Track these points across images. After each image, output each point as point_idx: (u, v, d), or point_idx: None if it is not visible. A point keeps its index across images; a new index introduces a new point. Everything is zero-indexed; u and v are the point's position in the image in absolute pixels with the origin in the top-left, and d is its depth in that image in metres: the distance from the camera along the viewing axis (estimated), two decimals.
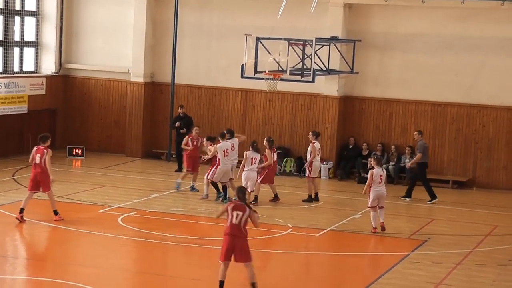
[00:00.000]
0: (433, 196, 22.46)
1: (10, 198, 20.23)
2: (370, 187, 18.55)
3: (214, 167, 20.67)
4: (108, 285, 14.32)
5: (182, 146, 22.42)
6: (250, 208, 13.72)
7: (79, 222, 18.42)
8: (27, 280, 14.44)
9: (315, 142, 21.77)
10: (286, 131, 26.48)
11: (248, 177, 20.40)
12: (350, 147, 25.78)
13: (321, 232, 18.55)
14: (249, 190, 20.00)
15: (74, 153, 26.84)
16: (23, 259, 15.93)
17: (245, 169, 20.48)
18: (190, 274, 15.18)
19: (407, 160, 24.84)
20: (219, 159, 20.59)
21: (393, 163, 25.06)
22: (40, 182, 18.01)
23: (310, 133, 22.19)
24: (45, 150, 18.04)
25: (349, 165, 25.40)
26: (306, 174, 21.78)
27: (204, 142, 21.33)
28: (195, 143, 22.12)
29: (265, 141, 21.57)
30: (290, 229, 18.65)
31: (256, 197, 20.80)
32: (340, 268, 16.33)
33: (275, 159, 21.50)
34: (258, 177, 20.81)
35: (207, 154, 21.09)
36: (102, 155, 27.19)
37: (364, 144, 25.62)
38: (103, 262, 15.77)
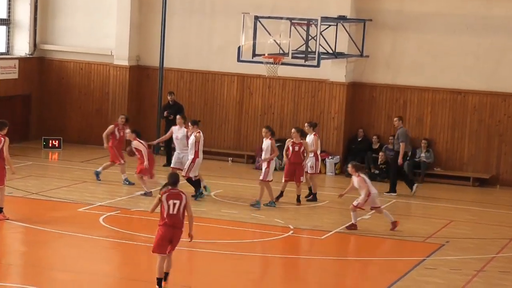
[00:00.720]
0: (393, 189, 22.91)
1: None
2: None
3: (190, 161, 20.54)
4: None
5: (104, 135, 22.61)
6: (186, 195, 14.07)
7: (55, 222, 18.43)
8: None
9: (316, 134, 21.74)
10: (287, 121, 26.47)
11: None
12: (359, 139, 25.79)
13: (326, 235, 18.56)
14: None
15: (50, 145, 26.83)
16: None
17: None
18: (179, 281, 15.19)
19: (422, 155, 24.89)
20: (196, 151, 20.55)
21: (407, 158, 25.01)
22: None
23: (306, 124, 22.03)
24: (1, 138, 18.05)
25: (357, 159, 25.29)
26: (311, 171, 21.70)
27: (190, 127, 21.04)
28: (121, 133, 22.53)
29: (266, 131, 21.24)
30: (291, 231, 18.66)
31: (281, 193, 21.14)
32: (347, 275, 16.35)
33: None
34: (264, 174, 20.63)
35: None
36: (81, 147, 27.18)
37: (375, 136, 25.62)
38: (82, 266, 15.76)
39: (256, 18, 21.96)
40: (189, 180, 20.67)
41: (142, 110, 27.63)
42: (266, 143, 20.60)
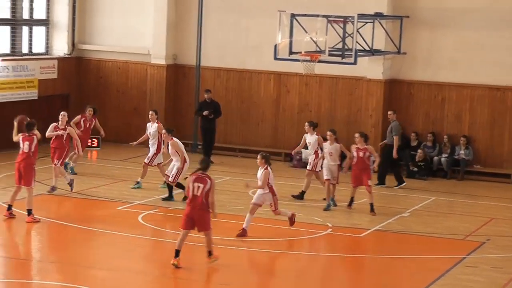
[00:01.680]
0: (400, 181, 23.18)
1: (19, 194, 20.28)
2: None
3: (176, 168, 19.94)
4: None
5: (72, 124, 22.47)
6: (212, 181, 15.27)
7: (95, 220, 18.53)
8: (38, 284, 14.52)
9: (318, 134, 21.48)
10: (324, 119, 26.34)
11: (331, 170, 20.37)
12: None
13: (365, 233, 18.48)
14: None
15: (89, 144, 26.89)
16: (35, 261, 16.01)
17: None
18: (218, 279, 15.17)
19: (461, 152, 24.67)
20: (183, 157, 19.92)
21: (446, 155, 24.85)
22: (23, 175, 18.03)
23: (307, 124, 21.63)
24: (34, 137, 18.13)
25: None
26: (310, 168, 21.25)
27: (164, 135, 20.27)
28: (87, 125, 23.08)
29: (309, 126, 21.27)
30: (330, 229, 18.59)
31: (351, 199, 20.45)
32: (387, 273, 16.21)
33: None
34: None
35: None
36: (119, 146, 27.24)
37: (413, 134, 25.44)
38: (121, 264, 15.81)
39: (293, 15, 21.89)
40: (170, 186, 20.16)
41: (179, 108, 27.66)
42: (334, 146, 20.38)
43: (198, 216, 15.27)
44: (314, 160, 21.18)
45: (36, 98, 26.52)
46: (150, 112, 22.10)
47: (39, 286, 14.46)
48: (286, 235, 17.96)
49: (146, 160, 21.52)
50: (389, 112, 23.80)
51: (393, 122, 23.44)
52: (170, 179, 19.94)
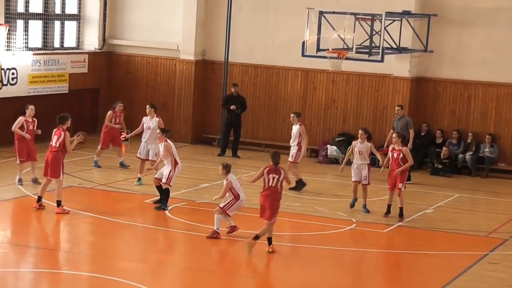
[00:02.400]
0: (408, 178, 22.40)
1: (49, 186, 20.50)
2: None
3: (169, 170, 18.71)
4: (154, 282, 14.49)
5: (107, 123, 22.82)
6: (284, 170, 16.10)
7: (123, 213, 18.66)
8: (67, 274, 14.67)
9: (301, 124, 21.58)
10: (350, 115, 26.40)
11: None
12: (423, 134, 25.60)
13: (389, 228, 18.50)
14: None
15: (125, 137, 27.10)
16: (62, 251, 16.17)
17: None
18: (244, 271, 15.27)
19: (486, 150, 24.63)
20: (176, 160, 18.79)
21: (471, 153, 24.81)
22: (50, 167, 18.18)
23: (292, 115, 21.80)
24: (62, 132, 18.26)
25: (420, 154, 25.18)
26: (291, 159, 21.32)
27: (159, 135, 19.14)
28: (117, 120, 22.93)
29: (295, 116, 21.39)
30: (354, 224, 18.63)
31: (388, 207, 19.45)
32: (411, 268, 16.26)
33: None
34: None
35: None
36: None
37: (438, 131, 25.41)
38: (148, 256, 15.96)
39: (321, 13, 21.93)
40: (161, 188, 18.89)
41: (207, 103, 27.78)
42: (365, 145, 19.81)
43: (270, 204, 15.93)
44: (296, 152, 21.26)
45: (67, 92, 26.72)
46: (147, 106, 21.80)
47: (67, 276, 14.63)
48: (312, 230, 18.03)
49: (163, 180, 19.13)
50: (396, 108, 23.50)
51: (404, 116, 23.23)
52: (164, 180, 18.67)
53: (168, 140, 18.92)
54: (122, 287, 14.04)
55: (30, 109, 20.50)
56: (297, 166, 21.51)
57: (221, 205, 16.87)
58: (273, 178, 15.96)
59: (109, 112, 23.26)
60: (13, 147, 20.69)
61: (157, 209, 18.77)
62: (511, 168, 24.78)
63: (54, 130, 18.42)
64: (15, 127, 20.32)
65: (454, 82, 25.52)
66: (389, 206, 19.29)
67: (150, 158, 20.99)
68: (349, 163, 20.46)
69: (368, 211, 19.55)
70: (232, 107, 25.42)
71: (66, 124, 18.46)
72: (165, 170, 18.75)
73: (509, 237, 18.18)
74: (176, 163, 18.76)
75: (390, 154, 19.26)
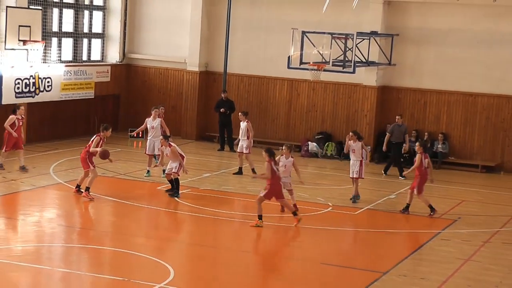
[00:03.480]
0: (401, 174, 22.54)
1: (78, 175, 20.43)
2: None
3: (176, 164, 18.35)
4: (165, 256, 14.44)
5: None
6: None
7: (139, 198, 18.58)
8: (91, 248, 14.62)
9: (248, 121, 21.51)
10: (328, 117, 26.37)
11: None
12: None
13: (359, 211, 18.46)
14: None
15: (135, 135, 27.00)
16: (88, 230, 16.11)
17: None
18: (240, 247, 15.24)
19: (439, 146, 24.62)
20: (182, 155, 18.47)
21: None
22: (81, 162, 18.17)
23: (240, 113, 21.69)
24: (97, 137, 18.04)
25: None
26: (247, 151, 21.27)
27: (162, 141, 18.61)
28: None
29: (242, 115, 21.51)
30: (330, 208, 18.59)
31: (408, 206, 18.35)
32: (377, 244, 16.22)
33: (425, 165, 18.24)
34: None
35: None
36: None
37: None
38: (159, 234, 15.91)
39: (303, 32, 21.87)
40: (172, 181, 18.50)
41: (209, 107, 27.64)
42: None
43: (281, 188, 16.42)
44: (248, 144, 21.27)
45: (93, 97, 26.63)
46: (155, 108, 21.12)
47: (93, 250, 14.59)
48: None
49: (159, 152, 19.44)
50: (397, 117, 22.93)
51: (404, 124, 22.89)
52: (174, 170, 18.32)
53: (172, 144, 18.43)
54: (138, 259, 13.99)
55: (21, 109, 20.34)
56: (249, 157, 21.40)
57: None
58: (277, 168, 16.44)
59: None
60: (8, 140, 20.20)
61: (170, 196, 18.54)
62: (459, 161, 24.78)
63: (96, 134, 18.22)
64: (6, 124, 20.09)
65: (413, 90, 25.49)
66: (407, 205, 18.23)
67: (156, 153, 20.59)
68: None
69: (355, 201, 19.05)
70: (222, 110, 25.30)
71: (105, 133, 18.08)
72: (173, 164, 18.44)
73: (458, 218, 18.16)
74: (182, 157, 18.44)
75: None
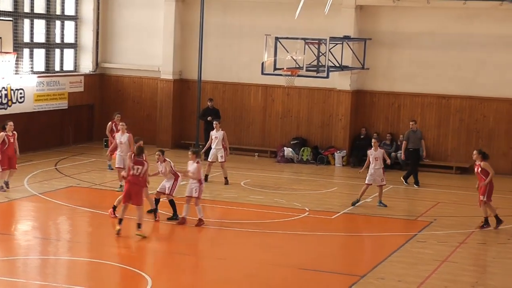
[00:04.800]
0: (417, 182, 22.30)
1: (53, 186, 20.35)
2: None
3: (173, 182, 17.34)
4: (142, 265, 14.39)
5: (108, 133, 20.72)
6: (147, 163, 15.95)
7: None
8: (68, 260, 14.52)
9: (223, 130, 21.47)
10: (303, 123, 26.44)
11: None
12: (362, 136, 25.69)
13: (336, 215, 18.52)
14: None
15: (110, 145, 26.89)
16: (64, 241, 16.01)
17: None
18: (216, 254, 15.21)
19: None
20: (175, 172, 17.41)
21: (401, 151, 24.88)
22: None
23: (215, 122, 21.66)
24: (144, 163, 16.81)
25: (360, 153, 25.25)
26: (222, 160, 21.16)
27: (159, 156, 17.42)
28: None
29: (217, 123, 21.40)
30: (307, 212, 18.62)
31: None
32: (354, 248, 16.30)
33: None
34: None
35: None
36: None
37: (375, 134, 25.48)
38: (137, 243, 15.81)
39: (277, 38, 21.92)
40: (158, 200, 17.56)
41: (184, 115, 27.68)
42: (379, 152, 19.22)
43: (135, 192, 15.74)
44: (224, 152, 21.18)
45: (66, 107, 26.49)
46: (121, 123, 20.27)
47: (70, 262, 14.48)
48: (272, 218, 18.00)
49: (167, 192, 17.58)
50: (411, 123, 22.49)
51: (419, 130, 22.55)
52: (167, 191, 17.31)
53: (167, 159, 17.45)
54: (115, 269, 13.92)
55: (10, 125, 19.33)
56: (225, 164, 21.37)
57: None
58: (137, 169, 15.82)
59: (109, 123, 22.44)
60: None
61: (169, 219, 17.30)
62: (434, 163, 24.95)
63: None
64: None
65: (386, 93, 25.64)
66: (485, 218, 17.43)
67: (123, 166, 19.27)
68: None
69: (385, 205, 19.04)
70: (209, 118, 25.21)
71: (141, 156, 16.29)
72: (167, 183, 17.39)
73: (434, 219, 18.28)
74: (177, 176, 17.37)
75: (475, 169, 17.52)
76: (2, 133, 19.29)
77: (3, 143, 19.23)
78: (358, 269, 14.35)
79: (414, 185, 22.17)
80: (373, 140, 19.47)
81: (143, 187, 16.25)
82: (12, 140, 19.38)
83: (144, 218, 16.30)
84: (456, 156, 25.00)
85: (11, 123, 19.53)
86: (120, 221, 15.91)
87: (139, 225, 15.81)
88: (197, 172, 16.95)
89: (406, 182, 22.41)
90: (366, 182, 19.21)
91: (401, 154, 24.78)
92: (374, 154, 19.10)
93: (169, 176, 17.35)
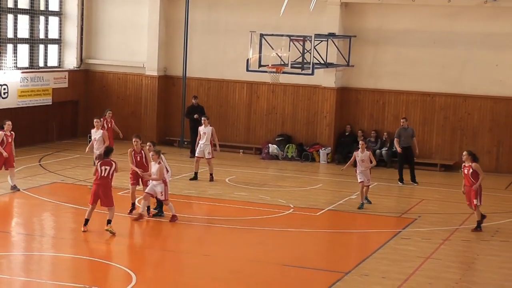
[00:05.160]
0: (414, 180, 22.28)
1: (37, 182, 20.28)
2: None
3: (164, 187, 16.91)
4: (126, 261, 14.36)
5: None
6: (115, 163, 15.73)
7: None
8: (52, 256, 14.48)
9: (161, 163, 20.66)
10: (288, 119, 26.47)
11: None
12: (347, 134, 25.76)
13: (320, 212, 18.55)
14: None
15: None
16: (48, 237, 15.96)
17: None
18: (201, 250, 15.22)
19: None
20: (163, 173, 16.93)
21: (386, 149, 25.06)
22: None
23: (205, 118, 21.42)
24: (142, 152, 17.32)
25: (345, 150, 25.37)
26: (211, 156, 21.04)
27: (153, 156, 16.97)
28: (109, 125, 20.75)
29: (206, 119, 21.13)
30: (292, 209, 18.65)
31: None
32: (338, 244, 16.35)
33: None
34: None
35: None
36: (120, 142, 27.01)
37: (359, 131, 25.58)
38: (122, 240, 15.80)
39: (262, 35, 21.90)
40: (159, 201, 17.26)
41: (169, 112, 27.64)
42: (365, 154, 18.71)
43: (104, 193, 15.62)
44: (211, 148, 20.96)
45: (51, 103, 26.39)
46: (95, 120, 20.06)
47: (54, 258, 14.44)
48: (257, 214, 18.02)
49: (165, 197, 17.34)
50: (402, 120, 22.35)
51: (410, 127, 22.40)
52: (162, 197, 16.96)
53: (162, 161, 16.91)
54: (99, 265, 13.89)
55: (8, 124, 18.97)
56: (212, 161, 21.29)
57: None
58: (105, 169, 15.61)
59: (101, 119, 21.50)
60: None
61: (154, 216, 17.23)
62: (418, 160, 24.87)
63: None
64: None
65: (371, 91, 25.71)
66: (478, 221, 17.07)
67: None
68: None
69: (370, 202, 18.99)
70: (195, 116, 25.13)
71: (137, 143, 17.27)
72: (157, 187, 16.84)
73: (418, 217, 18.36)
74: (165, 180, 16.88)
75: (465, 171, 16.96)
76: (0, 132, 18.97)
77: (1, 142, 18.90)
78: (342, 266, 14.40)
79: (398, 182, 22.24)
80: (360, 143, 19.19)
81: (111, 188, 15.85)
82: (10, 140, 19.06)
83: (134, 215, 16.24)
84: (441, 154, 25.12)
85: (9, 122, 19.16)
86: (86, 221, 15.75)
87: (109, 221, 15.72)
88: (160, 172, 16.71)
89: (415, 182, 22.18)
90: (358, 180, 18.93)
91: (385, 151, 24.91)
92: (361, 156, 18.88)
93: (160, 178, 16.73)
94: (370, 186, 19.28)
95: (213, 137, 21.36)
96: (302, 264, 14.50)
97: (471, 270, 14.63)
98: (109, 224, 15.74)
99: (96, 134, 19.98)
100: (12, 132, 19.27)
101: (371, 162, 18.86)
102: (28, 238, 15.61)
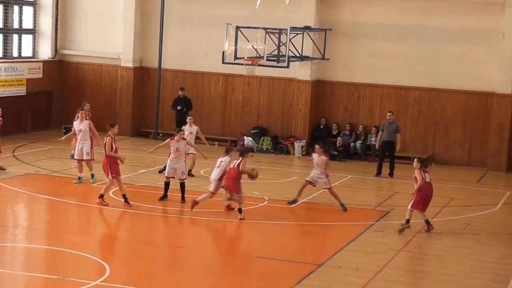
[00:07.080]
0: (391, 173, 22.45)
1: (11, 173, 20.15)
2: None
3: (184, 166, 18.04)
4: (100, 253, 14.35)
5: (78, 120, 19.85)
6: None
7: (73, 195, 18.42)
8: (26, 247, 14.42)
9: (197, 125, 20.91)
10: (263, 112, 26.52)
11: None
12: (322, 127, 25.87)
13: (295, 204, 18.60)
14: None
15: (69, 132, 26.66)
16: (22, 228, 15.89)
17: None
18: (175, 242, 15.24)
19: (373, 139, 24.98)
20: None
21: (360, 142, 25.21)
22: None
23: (189, 118, 21.02)
24: (107, 138, 17.47)
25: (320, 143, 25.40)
26: (195, 153, 20.62)
27: (181, 134, 18.02)
28: (87, 117, 20.22)
29: (191, 119, 20.79)
30: (266, 201, 18.71)
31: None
32: (312, 236, 16.43)
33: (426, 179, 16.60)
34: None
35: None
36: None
37: (334, 124, 25.71)
38: (95, 231, 15.78)
39: (237, 27, 21.93)
40: (183, 184, 18.06)
41: (144, 103, 27.58)
42: (321, 159, 18.07)
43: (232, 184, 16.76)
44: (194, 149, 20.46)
45: (25, 94, 26.23)
46: (80, 111, 19.88)
47: (27, 249, 14.39)
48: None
49: (87, 157, 19.30)
50: (388, 114, 22.35)
51: (395, 122, 22.33)
52: (181, 176, 17.84)
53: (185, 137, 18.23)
54: (73, 257, 13.87)
55: None
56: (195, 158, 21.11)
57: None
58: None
59: (79, 112, 20.96)
60: None
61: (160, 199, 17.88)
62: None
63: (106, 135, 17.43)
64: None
65: (346, 84, 25.83)
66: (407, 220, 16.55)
67: (84, 158, 19.44)
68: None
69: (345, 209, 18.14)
70: (178, 107, 25.04)
71: (112, 130, 17.54)
72: (178, 164, 17.84)
73: (391, 209, 18.51)
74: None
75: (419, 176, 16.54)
76: None
77: None
78: (316, 258, 14.49)
79: (375, 177, 22.37)
80: (316, 146, 18.21)
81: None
82: None
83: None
84: (414, 147, 25.31)
85: None
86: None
87: (240, 210, 16.75)
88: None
89: (391, 176, 22.25)
90: (307, 178, 18.20)
91: (360, 144, 25.06)
92: (316, 159, 18.13)
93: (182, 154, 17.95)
94: (331, 189, 18.16)
95: (199, 135, 20.76)
96: (275, 256, 14.56)
97: (442, 262, 14.78)
98: (240, 213, 16.59)
99: (81, 125, 19.60)
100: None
101: (345, 160, 18.53)
102: (1, 229, 15.51)
